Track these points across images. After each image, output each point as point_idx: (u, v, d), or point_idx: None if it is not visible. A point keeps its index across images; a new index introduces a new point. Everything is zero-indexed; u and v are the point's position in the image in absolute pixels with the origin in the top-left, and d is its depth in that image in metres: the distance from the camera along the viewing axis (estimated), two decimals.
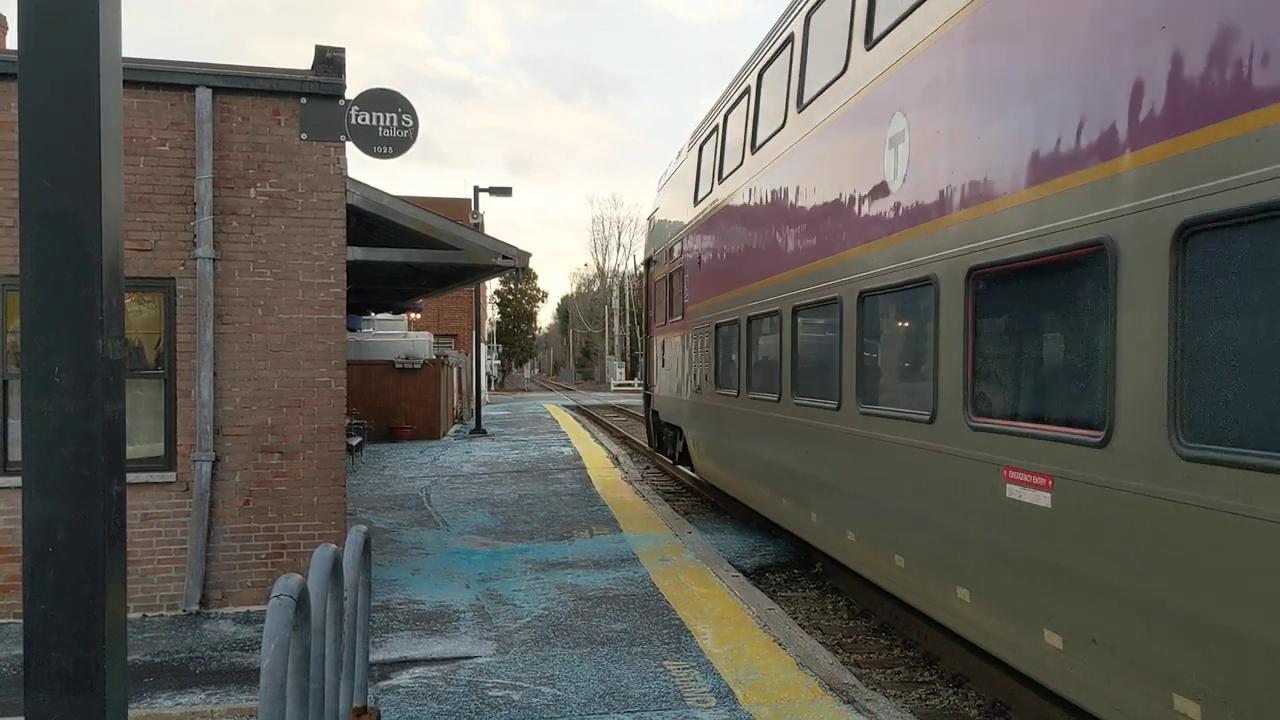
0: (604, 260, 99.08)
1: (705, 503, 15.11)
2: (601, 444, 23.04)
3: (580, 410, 41.18)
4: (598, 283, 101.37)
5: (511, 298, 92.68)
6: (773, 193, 10.07)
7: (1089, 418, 4.79)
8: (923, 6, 6.59)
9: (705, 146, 13.84)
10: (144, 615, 7.69)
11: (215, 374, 7.89)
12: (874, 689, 6.31)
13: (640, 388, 19.74)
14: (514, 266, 10.72)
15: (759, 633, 7.13)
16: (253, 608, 7.91)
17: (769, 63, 10.38)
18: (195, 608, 7.80)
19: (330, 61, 8.24)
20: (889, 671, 7.29)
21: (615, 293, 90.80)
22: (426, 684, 6.13)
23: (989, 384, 5.83)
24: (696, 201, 14.10)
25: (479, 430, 26.68)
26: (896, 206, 6.96)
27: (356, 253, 9.09)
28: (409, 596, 8.40)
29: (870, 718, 5.45)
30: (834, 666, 6.44)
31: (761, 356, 10.69)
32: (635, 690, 5.96)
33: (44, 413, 2.38)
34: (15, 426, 7.65)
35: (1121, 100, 4.56)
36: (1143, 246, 4.33)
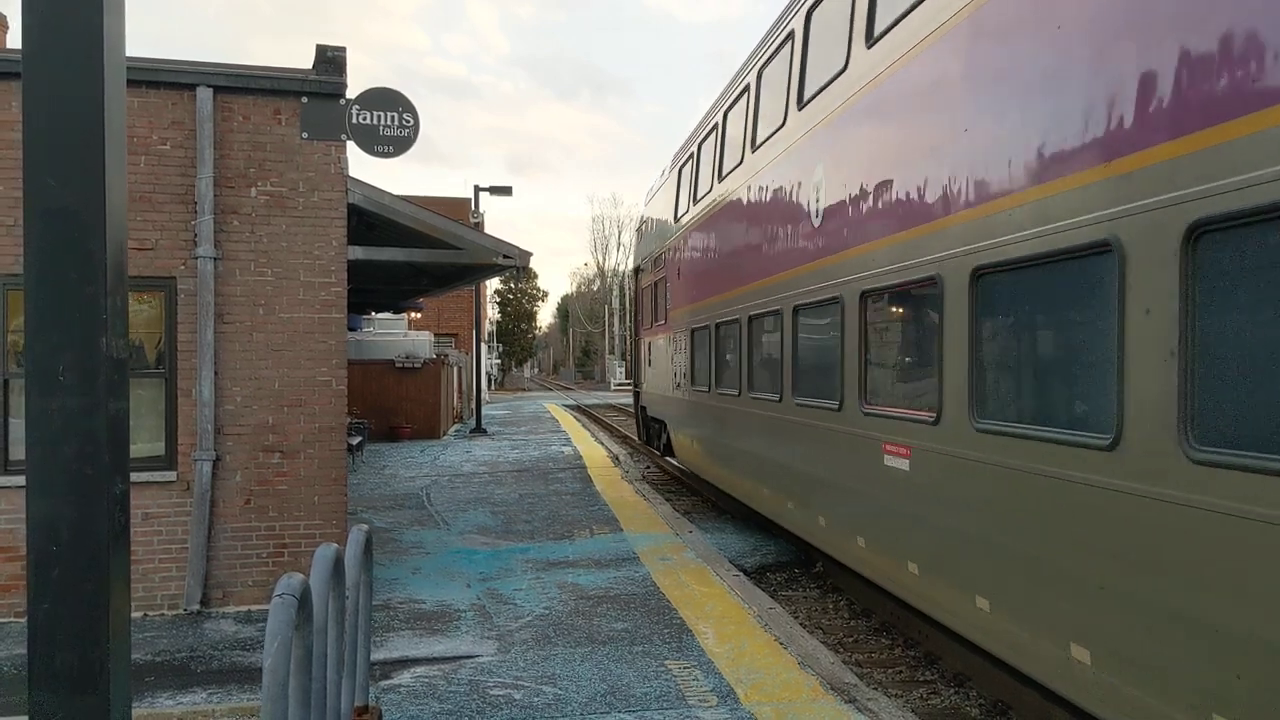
0: (604, 259, 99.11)
1: (706, 502, 15.11)
2: (602, 443, 23.05)
3: (580, 410, 41.18)
4: (598, 282, 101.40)
5: (512, 297, 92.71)
6: (733, 219, 11.80)
7: (932, 404, 6.32)
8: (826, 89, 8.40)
9: (684, 169, 15.17)
10: (145, 614, 7.69)
11: (216, 373, 7.89)
12: (875, 688, 6.31)
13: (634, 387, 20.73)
14: (515, 266, 10.72)
15: (760, 632, 7.13)
16: (254, 607, 7.91)
17: (734, 102, 12.03)
18: (196, 607, 7.80)
19: (331, 61, 8.24)
20: (890, 671, 7.29)
21: (615, 292, 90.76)
22: (428, 683, 6.13)
23: (873, 381, 7.58)
24: (677, 218, 15.46)
25: (479, 430, 26.69)
26: (815, 239, 8.65)
27: (357, 252, 9.09)
28: (410, 596, 8.40)
29: (872, 717, 5.46)
30: (835, 666, 6.44)
31: (726, 358, 12.24)
32: (636, 689, 5.96)
33: (48, 411, 2.38)
34: (15, 426, 7.66)
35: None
36: (956, 282, 5.93)
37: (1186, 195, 4.06)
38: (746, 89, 11.31)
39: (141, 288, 7.79)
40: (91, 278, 2.40)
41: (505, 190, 28.68)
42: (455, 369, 30.91)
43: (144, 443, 7.83)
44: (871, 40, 7.53)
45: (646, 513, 12.72)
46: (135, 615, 7.59)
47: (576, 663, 6.51)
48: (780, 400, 9.77)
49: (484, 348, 36.74)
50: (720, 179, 12.47)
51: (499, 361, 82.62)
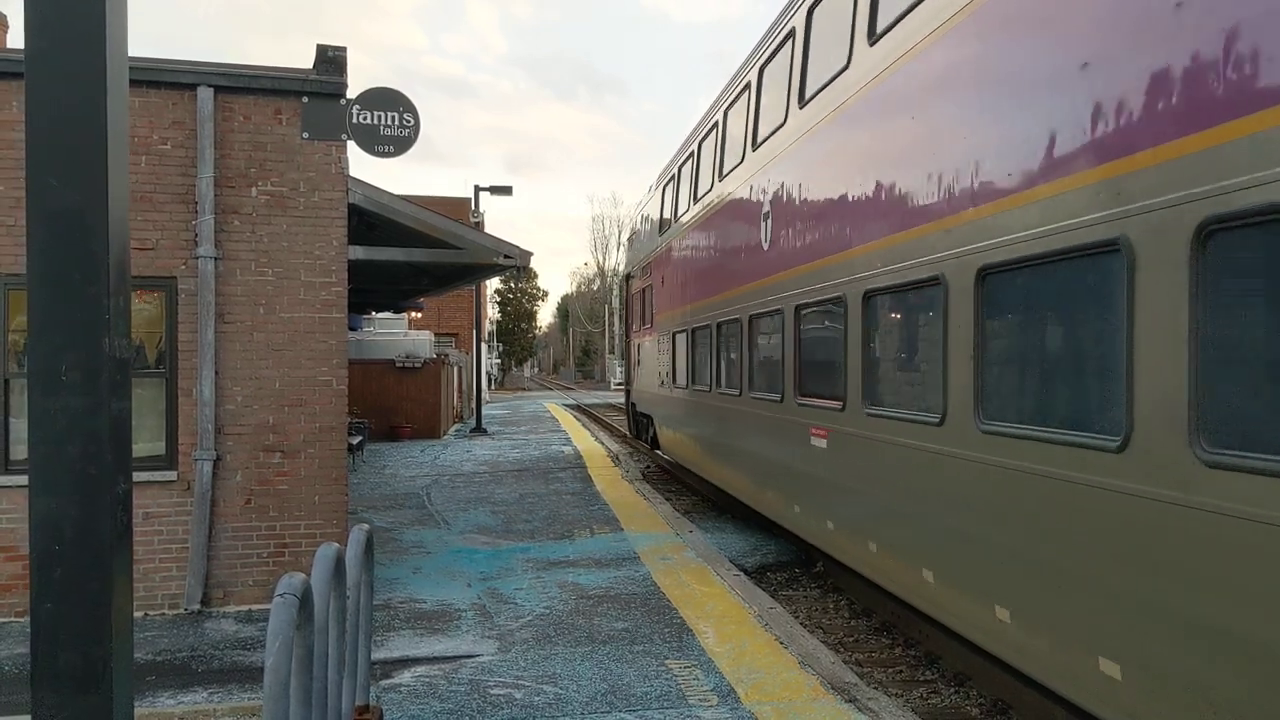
0: (604, 259, 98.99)
1: (706, 501, 15.12)
2: (602, 443, 23.05)
3: (580, 409, 41.17)
4: (598, 281, 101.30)
5: (512, 297, 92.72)
6: (705, 237, 13.51)
7: (840, 394, 8.04)
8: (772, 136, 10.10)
9: (667, 187, 16.68)
10: (145, 614, 7.70)
11: (217, 373, 7.89)
12: (875, 688, 6.32)
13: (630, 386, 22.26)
14: (515, 265, 10.73)
15: (760, 632, 7.14)
16: (254, 606, 7.92)
17: (705, 135, 13.74)
18: (197, 606, 7.81)
19: (332, 61, 8.25)
20: (890, 670, 7.29)
21: (615, 292, 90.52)
22: (428, 683, 6.14)
23: (805, 378, 9.23)
24: (661, 231, 17.05)
25: (479, 429, 26.69)
26: (766, 261, 10.24)
27: (358, 252, 9.09)
28: (410, 595, 8.40)
29: (872, 716, 5.46)
30: (835, 665, 6.45)
31: (700, 359, 13.81)
32: (637, 689, 5.96)
33: (51, 411, 2.38)
34: (15, 425, 7.66)
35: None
36: (853, 300, 7.81)
37: (1195, 194, 4.00)
38: (715, 126, 13.10)
39: (142, 287, 7.80)
40: (94, 278, 2.41)
41: (505, 190, 28.67)
42: (455, 368, 30.91)
43: (144, 442, 7.83)
44: (804, 102, 9.07)
45: (647, 512, 12.72)
46: (136, 615, 7.60)
47: (577, 662, 6.51)
48: (740, 395, 11.48)
49: (484, 347, 36.75)
50: (695, 200, 14.04)
51: (499, 361, 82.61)
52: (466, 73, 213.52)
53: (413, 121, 8.41)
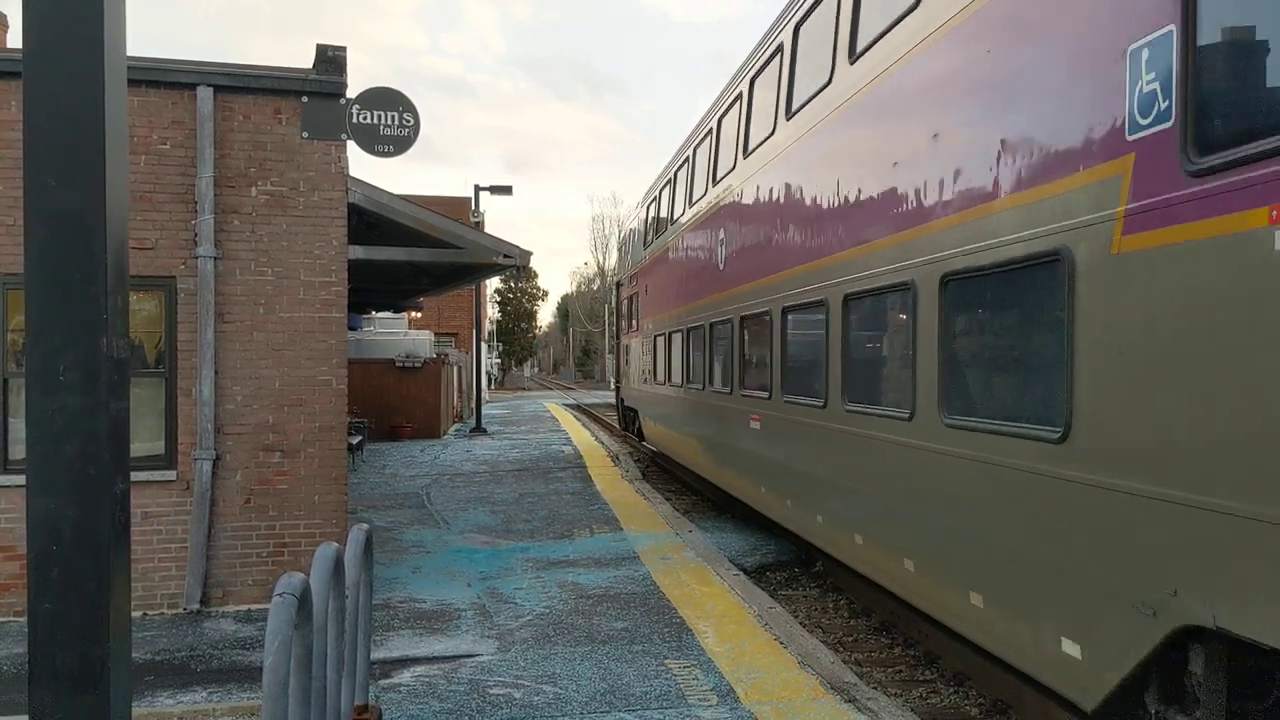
0: (604, 258, 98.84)
1: (705, 501, 15.12)
2: (601, 442, 23.04)
3: (580, 409, 41.18)
4: (598, 281, 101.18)
5: (512, 296, 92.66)
6: (677, 255, 15.89)
7: (769, 385, 10.20)
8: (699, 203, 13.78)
9: (650, 207, 19.15)
10: (145, 614, 7.70)
11: (216, 372, 7.89)
12: (875, 687, 6.32)
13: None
14: (515, 265, 10.72)
15: (760, 631, 7.14)
16: (253, 606, 7.92)
17: (678, 170, 16.04)
18: (196, 606, 7.81)
19: (331, 60, 8.25)
20: (890, 670, 7.29)
21: (613, 293, 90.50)
22: (428, 682, 6.14)
23: (745, 373, 11.39)
24: (645, 245, 19.47)
25: (479, 429, 26.68)
26: (719, 280, 12.53)
27: (358, 251, 9.09)
28: (410, 595, 8.40)
29: (871, 716, 5.46)
30: (835, 665, 6.45)
31: (674, 359, 16.04)
32: (637, 689, 5.96)
33: (49, 410, 2.38)
34: (14, 425, 7.66)
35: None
36: (733, 320, 11.35)
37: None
38: (686, 160, 15.38)
39: (142, 287, 7.79)
40: (93, 278, 2.40)
41: (505, 190, 28.66)
42: (455, 368, 30.90)
43: (144, 442, 7.83)
44: (715, 181, 12.98)
45: (646, 512, 12.72)
46: (135, 614, 7.60)
47: (577, 662, 6.51)
48: (703, 389, 13.60)
49: (484, 347, 36.75)
50: (673, 221, 16.34)
51: (499, 361, 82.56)
52: (465, 72, 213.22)
53: (412, 121, 8.41)
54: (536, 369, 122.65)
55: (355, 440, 17.16)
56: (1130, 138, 4.33)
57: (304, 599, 3.59)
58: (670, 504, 13.75)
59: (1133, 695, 4.57)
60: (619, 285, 24.89)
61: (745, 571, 9.68)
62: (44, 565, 2.38)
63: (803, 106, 9.03)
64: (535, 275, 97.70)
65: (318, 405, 8.18)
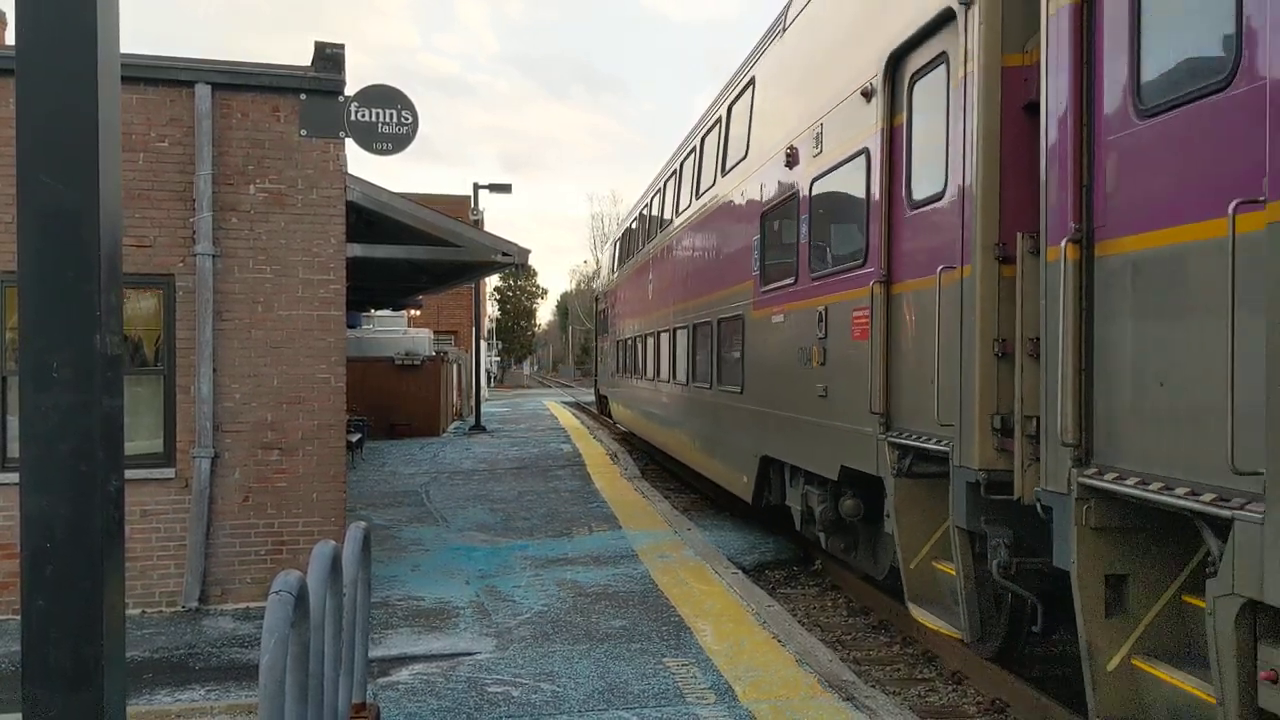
0: (603, 256, 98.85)
1: (704, 500, 15.12)
2: (600, 441, 23.04)
3: (579, 407, 41.13)
4: (597, 279, 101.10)
5: (511, 294, 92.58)
6: (629, 285, 21.61)
7: (666, 374, 16.29)
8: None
9: (617, 244, 25.58)
10: (143, 612, 7.70)
11: (215, 370, 7.88)
12: (873, 686, 6.31)
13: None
14: (513, 263, 10.72)
15: (758, 630, 7.13)
16: (252, 604, 7.91)
17: (641, 216, 20.45)
18: (194, 604, 7.80)
19: (330, 58, 8.23)
20: (888, 668, 7.29)
21: None
22: (426, 680, 6.13)
23: (659, 368, 16.82)
24: (614, 270, 25.39)
25: (478, 427, 26.67)
26: (648, 308, 18.26)
27: (356, 249, 9.08)
28: (408, 593, 8.40)
29: (869, 714, 5.46)
30: (833, 663, 6.44)
31: (626, 359, 21.84)
32: (635, 687, 5.96)
33: (42, 408, 2.37)
34: (12, 423, 7.65)
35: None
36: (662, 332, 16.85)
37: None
38: (633, 223, 21.68)
39: (140, 285, 7.79)
40: (86, 275, 2.40)
41: (505, 188, 28.66)
42: (455, 366, 30.89)
43: (142, 440, 7.83)
44: (623, 261, 22.29)
45: (645, 510, 12.72)
46: (134, 612, 7.59)
47: (575, 660, 6.51)
48: (639, 379, 19.38)
49: (483, 345, 36.73)
50: (629, 256, 21.65)
51: (498, 359, 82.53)
52: (462, 71, 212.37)
53: (411, 119, 8.40)
54: (536, 367, 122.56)
55: (354, 438, 17.16)
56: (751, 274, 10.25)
57: (301, 597, 3.59)
58: (669, 502, 13.75)
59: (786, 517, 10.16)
60: (598, 299, 32.42)
61: (744, 570, 9.68)
62: (38, 562, 2.37)
63: (682, 211, 15.14)
64: (535, 273, 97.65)
65: (316, 403, 8.17)
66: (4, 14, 17.20)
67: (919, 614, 6.86)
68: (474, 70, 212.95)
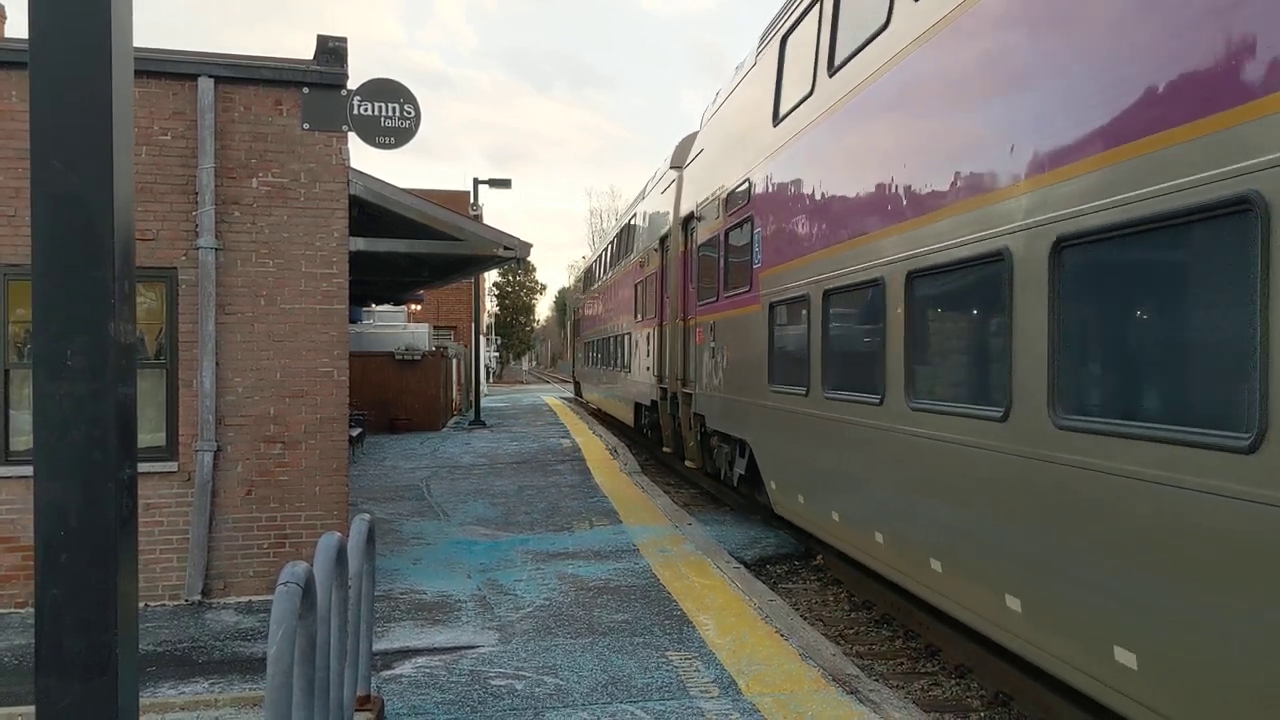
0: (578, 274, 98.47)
1: (705, 494, 15.13)
2: (599, 436, 23.04)
3: (577, 402, 41.13)
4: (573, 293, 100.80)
5: (510, 290, 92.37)
6: (590, 303, 32.54)
7: (616, 365, 24.98)
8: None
9: (586, 271, 33.32)
10: (146, 605, 7.69)
11: (217, 364, 7.88)
12: (877, 680, 6.32)
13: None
14: (515, 257, 10.70)
15: (761, 624, 7.14)
16: (255, 597, 7.92)
17: (612, 239, 27.71)
18: (197, 597, 7.81)
19: (332, 51, 8.22)
20: (891, 663, 7.30)
21: None
22: (429, 673, 6.14)
23: (609, 361, 26.75)
24: (586, 289, 33.58)
25: (478, 422, 26.67)
26: (597, 321, 30.35)
27: (359, 243, 9.06)
28: (411, 586, 8.41)
29: (873, 708, 5.46)
30: (837, 657, 6.45)
31: (596, 354, 29.04)
32: (638, 680, 5.97)
33: (55, 396, 2.36)
34: (14, 416, 7.64)
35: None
36: (637, 332, 22.74)
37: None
38: (593, 264, 31.02)
39: (143, 278, 7.77)
40: (99, 263, 2.39)
41: (504, 183, 28.60)
42: (454, 361, 30.89)
43: (145, 433, 7.82)
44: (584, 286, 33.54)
45: (645, 505, 12.73)
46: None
47: (577, 653, 6.52)
48: (615, 369, 24.12)
49: (483, 340, 36.74)
50: (593, 283, 29.67)
51: (497, 354, 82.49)
52: (445, 66, 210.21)
53: (413, 113, 8.39)
54: (534, 362, 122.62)
55: (354, 433, 17.15)
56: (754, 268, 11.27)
57: (308, 588, 3.59)
58: (669, 497, 13.75)
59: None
60: (572, 310, 44.35)
61: (745, 564, 9.69)
62: (51, 551, 2.37)
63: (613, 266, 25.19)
64: (533, 269, 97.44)
65: (319, 397, 8.17)
66: (2, 8, 17.16)
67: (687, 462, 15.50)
68: (456, 65, 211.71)
